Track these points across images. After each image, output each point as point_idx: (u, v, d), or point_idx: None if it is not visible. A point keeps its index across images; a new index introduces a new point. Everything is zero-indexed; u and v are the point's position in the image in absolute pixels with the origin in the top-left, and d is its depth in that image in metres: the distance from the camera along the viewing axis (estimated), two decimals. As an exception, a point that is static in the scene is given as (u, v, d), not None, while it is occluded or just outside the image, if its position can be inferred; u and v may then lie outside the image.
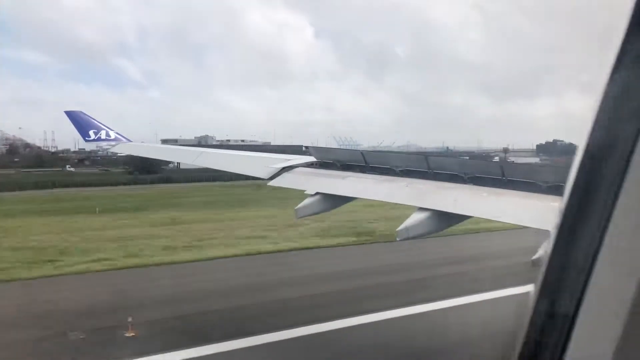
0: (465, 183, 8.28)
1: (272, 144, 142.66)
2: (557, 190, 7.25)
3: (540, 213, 7.11)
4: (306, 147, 11.64)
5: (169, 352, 12.39)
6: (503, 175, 7.92)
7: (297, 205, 9.67)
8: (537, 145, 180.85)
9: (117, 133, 16.93)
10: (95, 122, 17.24)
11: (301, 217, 9.80)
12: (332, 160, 10.46)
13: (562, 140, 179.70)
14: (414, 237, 7.87)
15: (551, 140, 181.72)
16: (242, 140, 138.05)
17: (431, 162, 8.91)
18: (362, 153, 10.10)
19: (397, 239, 7.92)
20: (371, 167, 9.71)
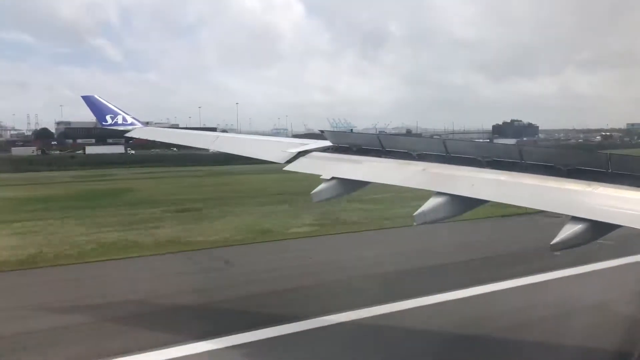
0: (483, 167, 8.19)
1: (180, 126, 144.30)
2: (577, 174, 7.15)
3: (558, 196, 7.04)
4: (321, 131, 11.58)
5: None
6: (522, 159, 7.81)
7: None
8: (493, 126, 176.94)
9: (133, 118, 17.03)
10: (112, 106, 17.33)
11: (317, 202, 9.76)
12: (347, 144, 10.40)
13: (519, 121, 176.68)
14: (431, 222, 7.82)
15: (509, 121, 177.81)
16: (147, 123, 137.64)
17: (449, 146, 8.81)
18: (379, 137, 10.02)
19: (415, 224, 7.87)
20: (387, 151, 9.63)
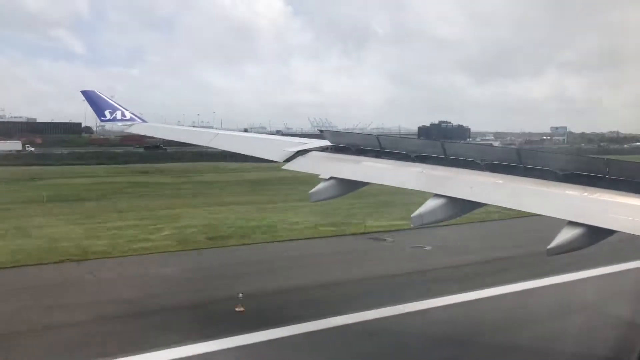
0: (481, 170, 8.20)
1: (37, 120, 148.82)
2: (573, 179, 7.17)
3: (556, 202, 7.05)
4: (321, 131, 11.59)
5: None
6: (520, 162, 7.83)
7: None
8: (419, 127, 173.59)
9: (132, 113, 16.99)
10: (111, 102, 17.31)
11: (315, 201, 9.78)
12: (346, 144, 10.41)
13: (449, 122, 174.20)
14: (428, 224, 7.83)
15: (436, 122, 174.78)
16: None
17: (447, 148, 8.82)
18: (377, 137, 10.03)
19: (412, 226, 7.87)
20: (386, 151, 9.64)
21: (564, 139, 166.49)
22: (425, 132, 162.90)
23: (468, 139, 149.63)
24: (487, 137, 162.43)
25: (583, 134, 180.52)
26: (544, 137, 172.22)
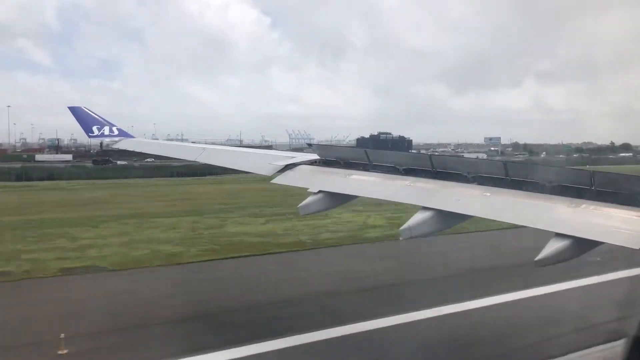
0: (468, 182, 8.25)
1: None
2: (560, 190, 7.22)
3: (542, 213, 7.10)
4: (310, 145, 11.64)
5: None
6: (507, 175, 7.88)
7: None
8: (357, 139, 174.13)
9: (119, 129, 16.93)
10: (99, 117, 17.23)
11: (304, 215, 9.77)
12: (335, 158, 10.45)
13: (388, 133, 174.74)
14: (417, 237, 7.84)
15: (376, 133, 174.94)
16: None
17: (435, 161, 8.87)
18: (366, 151, 10.08)
19: (400, 238, 7.88)
20: (374, 165, 9.68)
21: (501, 150, 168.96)
22: (363, 143, 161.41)
23: (410, 150, 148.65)
24: (436, 149, 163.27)
25: (525, 144, 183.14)
26: (492, 149, 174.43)
